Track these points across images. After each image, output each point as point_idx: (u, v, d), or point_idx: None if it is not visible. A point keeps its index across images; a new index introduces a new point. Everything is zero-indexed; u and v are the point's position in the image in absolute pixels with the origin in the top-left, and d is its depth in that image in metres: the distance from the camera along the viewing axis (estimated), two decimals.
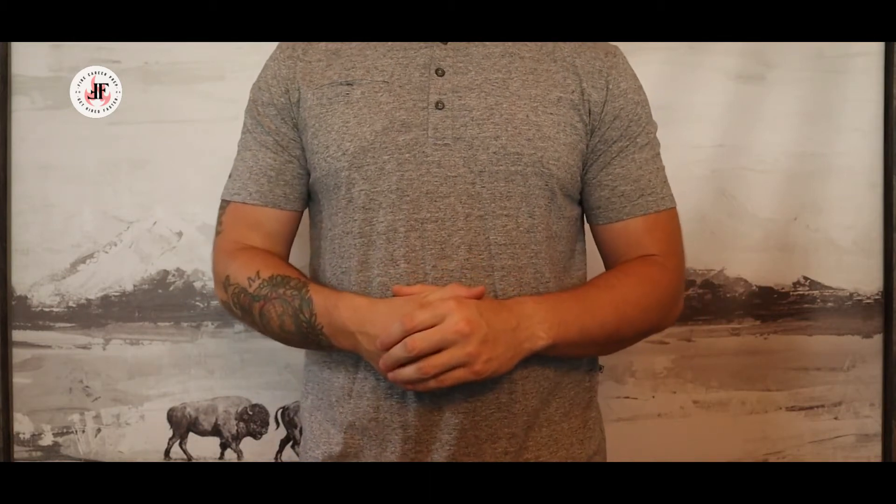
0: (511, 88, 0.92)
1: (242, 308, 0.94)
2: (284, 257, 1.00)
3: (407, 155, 0.90)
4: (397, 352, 0.82)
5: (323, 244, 0.97)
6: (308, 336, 0.90)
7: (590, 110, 0.94)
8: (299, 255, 1.05)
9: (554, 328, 0.87)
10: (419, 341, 0.81)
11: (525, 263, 0.92)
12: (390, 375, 0.84)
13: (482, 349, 0.82)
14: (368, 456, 0.93)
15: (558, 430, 0.96)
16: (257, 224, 0.98)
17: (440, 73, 0.92)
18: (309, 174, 0.98)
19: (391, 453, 0.92)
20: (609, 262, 1.01)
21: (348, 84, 0.93)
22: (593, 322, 0.89)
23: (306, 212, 1.03)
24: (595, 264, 1.03)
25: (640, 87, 0.99)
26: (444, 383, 0.82)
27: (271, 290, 0.91)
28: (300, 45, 0.97)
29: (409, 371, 0.82)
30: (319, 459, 0.98)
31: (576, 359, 0.97)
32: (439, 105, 0.91)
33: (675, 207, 1.00)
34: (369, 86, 0.92)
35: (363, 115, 0.91)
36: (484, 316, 0.83)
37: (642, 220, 0.97)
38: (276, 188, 0.97)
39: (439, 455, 0.91)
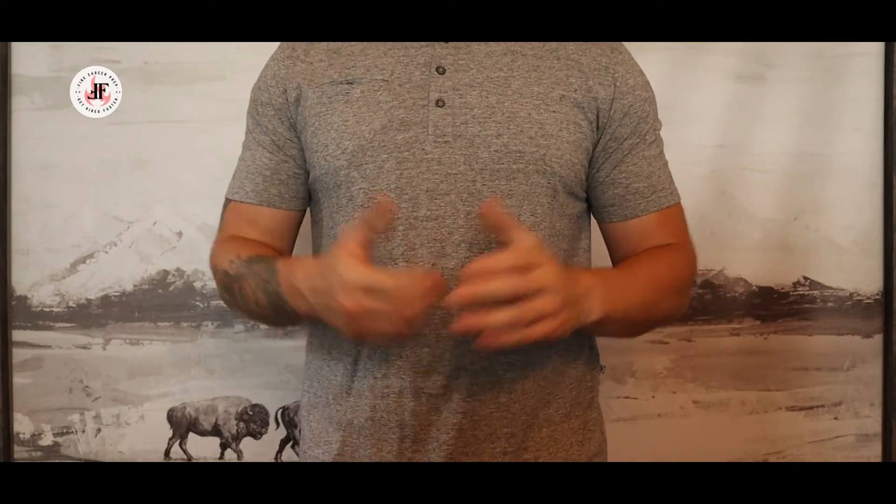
0: (513, 87, 0.92)
1: (228, 291, 0.95)
2: (281, 254, 1.00)
3: (406, 153, 0.90)
4: (495, 287, 0.73)
5: (323, 242, 0.97)
6: (277, 307, 0.89)
7: (598, 108, 0.94)
8: (297, 253, 1.05)
9: (606, 303, 0.84)
10: (533, 281, 0.73)
11: None
12: (464, 323, 0.74)
13: (564, 308, 0.78)
14: (365, 455, 0.94)
15: (558, 430, 0.96)
16: (254, 221, 0.98)
17: (441, 71, 0.92)
18: (305, 174, 0.98)
19: (388, 452, 0.92)
20: (618, 259, 1.01)
21: (348, 83, 0.93)
22: (635, 301, 0.89)
23: (307, 212, 1.03)
24: (598, 262, 1.03)
25: (648, 83, 0.99)
26: (529, 337, 0.76)
27: (247, 268, 0.91)
28: (301, 45, 0.97)
29: (505, 315, 0.74)
30: (318, 458, 0.98)
31: (574, 358, 0.98)
32: (439, 103, 0.91)
33: (680, 201, 1.01)
34: (369, 84, 0.92)
35: (362, 113, 0.91)
36: (561, 275, 0.78)
37: (656, 217, 0.98)
38: (271, 187, 0.98)
39: (437, 455, 0.91)
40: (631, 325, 0.94)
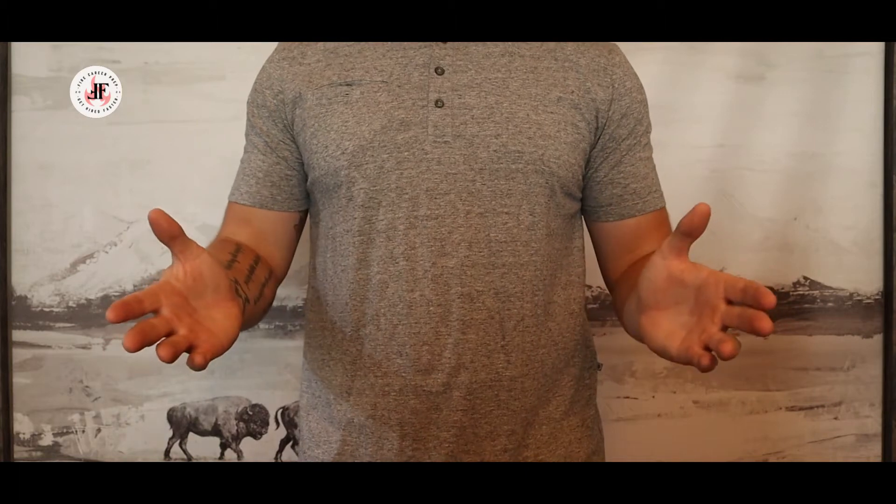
0: (511, 88, 0.92)
1: None
2: (273, 255, 1.00)
3: (406, 153, 0.90)
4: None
5: (323, 242, 0.98)
6: None
7: (596, 109, 0.95)
8: (299, 255, 1.05)
9: None
10: None
11: (526, 261, 0.92)
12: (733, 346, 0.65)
13: None
14: (366, 454, 0.94)
15: (558, 427, 0.97)
16: (247, 221, 0.99)
17: (440, 71, 0.92)
18: (300, 175, 0.99)
19: (388, 451, 0.92)
20: (611, 258, 1.02)
21: (347, 84, 0.93)
22: None
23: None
24: (592, 261, 1.04)
25: (642, 86, 1.00)
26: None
27: None
28: (297, 48, 0.97)
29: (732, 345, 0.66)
30: (318, 458, 0.98)
31: (572, 355, 0.98)
32: (439, 103, 0.91)
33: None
34: (368, 86, 0.93)
35: (362, 114, 0.91)
36: None
37: (652, 217, 0.99)
38: (262, 189, 0.98)
39: (437, 452, 0.91)
40: None
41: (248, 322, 0.88)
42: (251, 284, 0.88)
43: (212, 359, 0.70)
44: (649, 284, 0.75)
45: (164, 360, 0.65)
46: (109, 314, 0.64)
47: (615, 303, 1.00)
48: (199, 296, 0.72)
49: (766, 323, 0.64)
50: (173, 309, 0.68)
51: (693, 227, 0.69)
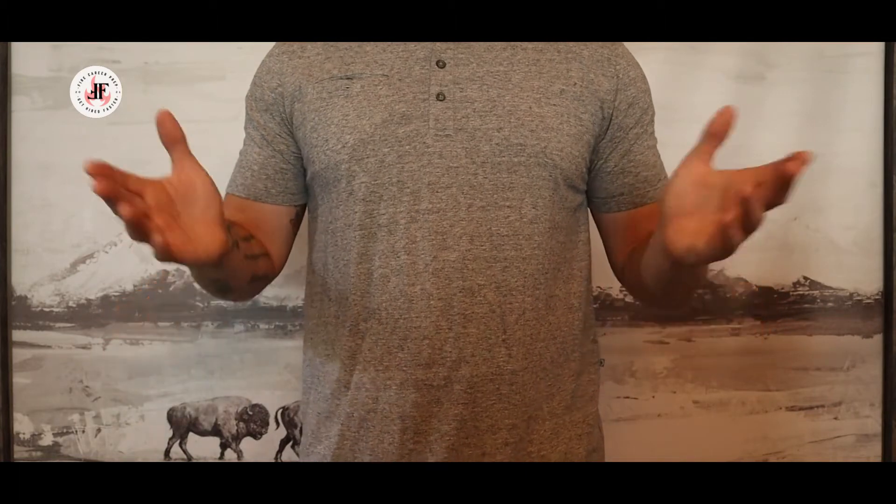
0: (513, 81, 0.92)
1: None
2: (269, 248, 1.00)
3: (407, 147, 0.91)
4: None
5: (323, 237, 0.98)
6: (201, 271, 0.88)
7: (601, 99, 0.95)
8: (297, 253, 1.05)
9: None
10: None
11: (529, 254, 0.92)
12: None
13: None
14: (367, 447, 0.94)
15: (560, 423, 0.97)
16: (241, 212, 0.99)
17: (441, 65, 0.92)
18: (296, 169, 0.99)
19: (389, 444, 0.92)
20: (621, 248, 1.02)
21: (348, 78, 0.94)
22: None
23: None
24: (598, 258, 1.04)
25: (645, 75, 1.00)
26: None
27: None
28: (297, 41, 0.98)
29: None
30: (321, 453, 0.98)
31: (572, 350, 0.98)
32: (440, 96, 0.91)
33: None
34: (369, 79, 0.93)
35: (363, 108, 0.92)
36: None
37: None
38: (257, 182, 0.99)
39: (439, 446, 0.91)
40: (698, 282, 0.96)
41: (233, 274, 0.88)
42: (244, 244, 0.89)
43: (181, 260, 0.68)
44: (675, 192, 0.76)
45: (125, 218, 0.63)
46: (90, 167, 0.64)
47: (628, 279, 1.00)
48: (187, 205, 0.71)
49: (793, 163, 0.68)
50: (156, 202, 0.67)
51: (718, 128, 0.74)
